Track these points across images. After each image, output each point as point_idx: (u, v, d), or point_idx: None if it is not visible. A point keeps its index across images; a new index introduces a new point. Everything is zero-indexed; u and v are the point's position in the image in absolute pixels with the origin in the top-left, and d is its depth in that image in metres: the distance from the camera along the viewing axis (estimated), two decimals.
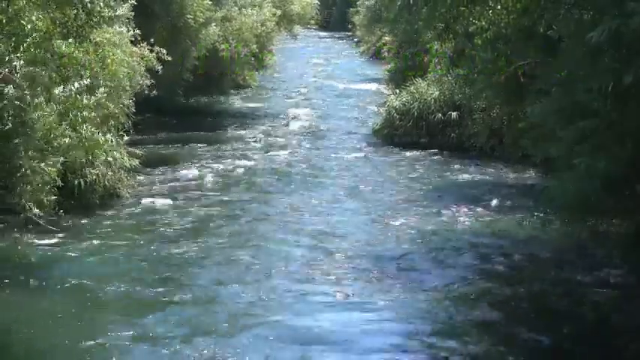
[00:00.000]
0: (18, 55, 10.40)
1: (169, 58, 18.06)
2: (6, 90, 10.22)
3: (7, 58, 10.35)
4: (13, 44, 10.48)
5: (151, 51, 17.68)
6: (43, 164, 12.48)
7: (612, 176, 8.94)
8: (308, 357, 9.57)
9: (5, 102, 10.28)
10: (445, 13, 12.77)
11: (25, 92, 10.39)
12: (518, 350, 9.79)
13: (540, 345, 9.86)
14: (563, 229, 11.52)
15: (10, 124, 10.83)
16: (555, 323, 10.35)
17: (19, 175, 12.11)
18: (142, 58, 17.27)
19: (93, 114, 13.07)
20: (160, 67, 17.68)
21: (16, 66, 10.36)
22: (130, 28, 16.74)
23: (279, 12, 30.42)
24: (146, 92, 17.44)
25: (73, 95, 12.00)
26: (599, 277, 11.87)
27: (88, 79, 13.03)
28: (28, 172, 12.17)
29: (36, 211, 13.02)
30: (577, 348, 9.84)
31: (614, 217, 10.70)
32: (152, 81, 17.51)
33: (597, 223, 10.79)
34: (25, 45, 10.44)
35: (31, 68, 10.41)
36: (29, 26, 10.44)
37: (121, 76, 15.64)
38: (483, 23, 12.56)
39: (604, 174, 8.82)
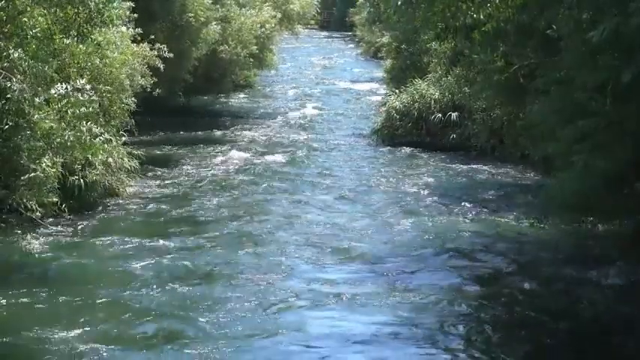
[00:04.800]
0: (19, 52, 10.38)
1: (171, 55, 18.06)
2: (9, 85, 10.19)
3: (5, 53, 10.33)
4: (14, 43, 10.47)
5: (152, 49, 17.68)
6: (43, 164, 12.49)
7: (611, 175, 8.96)
8: (307, 357, 9.60)
9: (8, 97, 10.25)
10: (444, 10, 12.69)
11: (26, 91, 10.38)
12: (517, 348, 9.81)
13: (539, 343, 9.87)
14: (563, 229, 11.55)
15: (12, 123, 10.82)
16: (554, 322, 10.36)
17: (19, 175, 12.11)
18: (144, 59, 17.26)
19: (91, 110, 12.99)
20: (161, 65, 17.67)
21: (14, 61, 10.33)
22: (131, 27, 16.75)
23: (278, 15, 30.47)
24: (149, 90, 17.42)
25: (71, 94, 11.98)
26: (598, 277, 11.87)
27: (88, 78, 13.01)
28: (30, 171, 12.18)
29: (36, 211, 13.06)
30: (576, 346, 9.87)
31: (614, 216, 10.71)
32: (155, 79, 17.51)
33: (597, 223, 10.82)
34: (26, 42, 10.43)
35: (31, 62, 10.38)
36: (31, 22, 10.43)
37: (122, 76, 15.64)
38: (482, 17, 12.43)
39: (603, 173, 8.85)
